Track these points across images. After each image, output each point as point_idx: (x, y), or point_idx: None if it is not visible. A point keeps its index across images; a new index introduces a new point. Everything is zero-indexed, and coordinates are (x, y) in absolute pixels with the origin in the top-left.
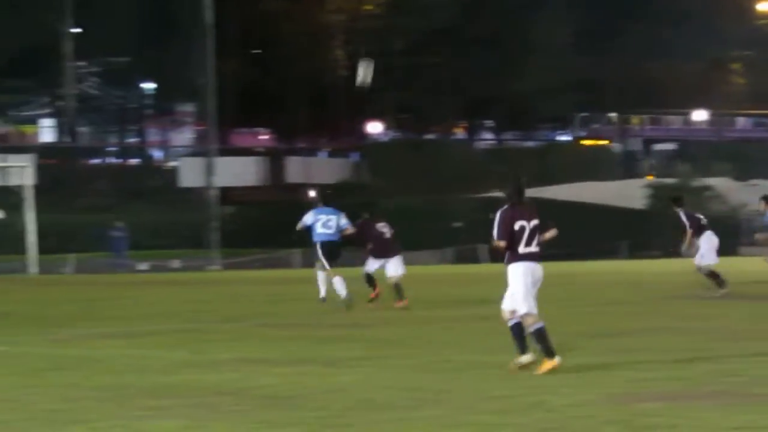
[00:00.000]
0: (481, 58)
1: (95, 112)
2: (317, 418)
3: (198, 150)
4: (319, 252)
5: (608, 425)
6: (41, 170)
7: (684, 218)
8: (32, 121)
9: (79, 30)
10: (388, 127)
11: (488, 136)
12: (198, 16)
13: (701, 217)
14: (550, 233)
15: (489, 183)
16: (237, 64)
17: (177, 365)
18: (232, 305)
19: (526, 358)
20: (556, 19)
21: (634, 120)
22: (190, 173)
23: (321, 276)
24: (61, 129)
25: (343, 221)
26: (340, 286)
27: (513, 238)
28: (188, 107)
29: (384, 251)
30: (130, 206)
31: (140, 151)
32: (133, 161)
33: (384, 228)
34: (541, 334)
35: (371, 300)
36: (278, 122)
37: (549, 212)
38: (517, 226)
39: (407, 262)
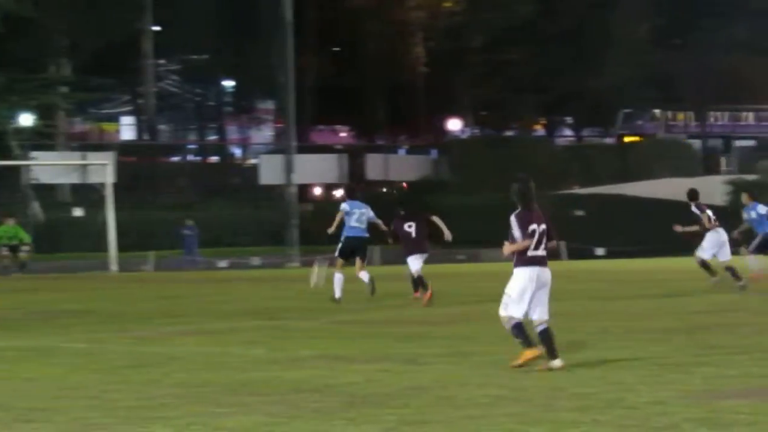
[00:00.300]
0: (560, 54)
1: (175, 110)
2: (396, 416)
3: (277, 147)
4: (339, 248)
5: (687, 422)
6: (121, 168)
7: (697, 212)
8: (113, 118)
9: (158, 28)
10: (467, 124)
11: (567, 132)
12: (277, 13)
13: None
14: (552, 245)
15: (569, 180)
16: (316, 62)
17: (256, 362)
18: (312, 302)
19: (537, 351)
20: (635, 14)
21: (680, 116)
22: (269, 171)
23: (338, 277)
24: (140, 127)
25: (371, 213)
26: (338, 283)
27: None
28: (268, 105)
29: (412, 248)
30: (210, 204)
31: (220, 148)
32: (213, 159)
33: (410, 228)
34: (518, 328)
35: (423, 299)
36: (357, 119)
37: (629, 209)
38: (530, 228)
39: (485, 260)
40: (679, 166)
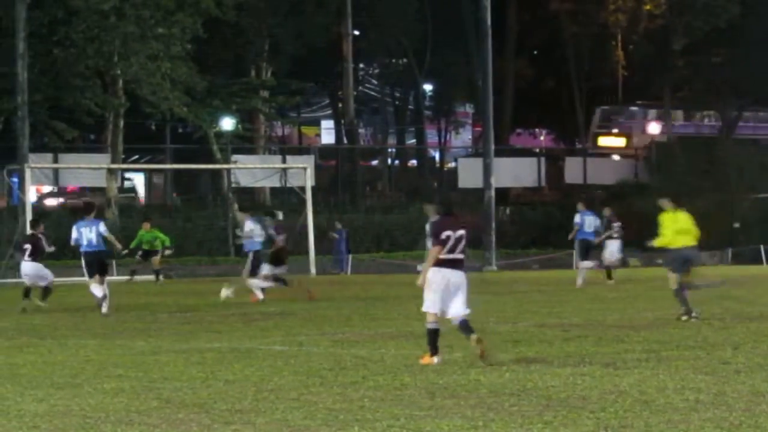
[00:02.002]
0: (762, 57)
1: (374, 114)
2: (594, 420)
3: (476, 151)
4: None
5: None
6: (321, 171)
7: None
8: (313, 122)
9: (358, 33)
10: (666, 127)
11: None
12: (477, 17)
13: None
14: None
15: None
16: (515, 65)
17: (454, 365)
18: (510, 306)
19: (436, 359)
20: None
21: (696, 116)
22: (468, 174)
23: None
24: (340, 130)
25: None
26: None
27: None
28: (467, 108)
29: (278, 257)
30: (409, 207)
31: (419, 152)
32: (412, 162)
33: (279, 236)
34: (431, 332)
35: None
36: (556, 123)
37: None
38: (443, 235)
39: None
40: None
